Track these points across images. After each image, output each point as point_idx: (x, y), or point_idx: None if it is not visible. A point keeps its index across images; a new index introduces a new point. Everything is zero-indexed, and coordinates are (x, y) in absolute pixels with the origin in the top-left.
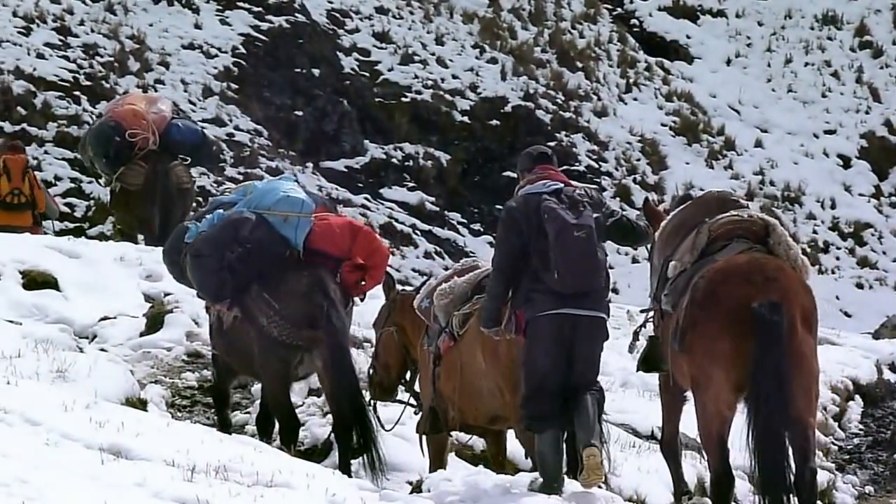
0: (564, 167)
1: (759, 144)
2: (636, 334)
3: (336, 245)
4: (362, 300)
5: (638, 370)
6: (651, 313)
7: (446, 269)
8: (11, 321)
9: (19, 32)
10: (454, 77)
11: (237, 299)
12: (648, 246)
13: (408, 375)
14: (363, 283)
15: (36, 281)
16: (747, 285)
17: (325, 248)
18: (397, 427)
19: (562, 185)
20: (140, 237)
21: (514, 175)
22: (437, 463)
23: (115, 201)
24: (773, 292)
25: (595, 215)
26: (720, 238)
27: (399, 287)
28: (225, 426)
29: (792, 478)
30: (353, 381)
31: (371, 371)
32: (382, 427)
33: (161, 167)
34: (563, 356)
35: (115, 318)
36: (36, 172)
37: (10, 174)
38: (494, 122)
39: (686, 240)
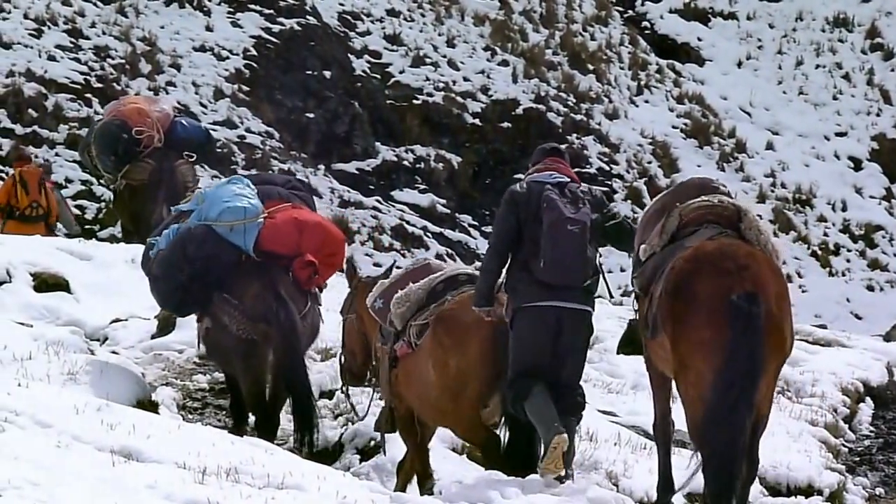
0: (576, 169)
1: (770, 147)
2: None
3: (283, 244)
4: (321, 290)
5: (618, 353)
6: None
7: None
8: (22, 323)
9: (30, 34)
10: (465, 79)
11: (204, 310)
12: None
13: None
14: (316, 276)
15: (47, 283)
16: (722, 276)
17: (273, 249)
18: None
19: (568, 179)
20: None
21: None
22: (420, 461)
23: (119, 200)
24: (747, 282)
25: (594, 215)
26: (691, 223)
27: (362, 274)
28: (239, 422)
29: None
30: (300, 373)
31: (340, 358)
32: (357, 415)
33: (167, 164)
34: (548, 348)
35: (126, 320)
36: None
37: (27, 186)
38: (505, 124)
39: (658, 224)
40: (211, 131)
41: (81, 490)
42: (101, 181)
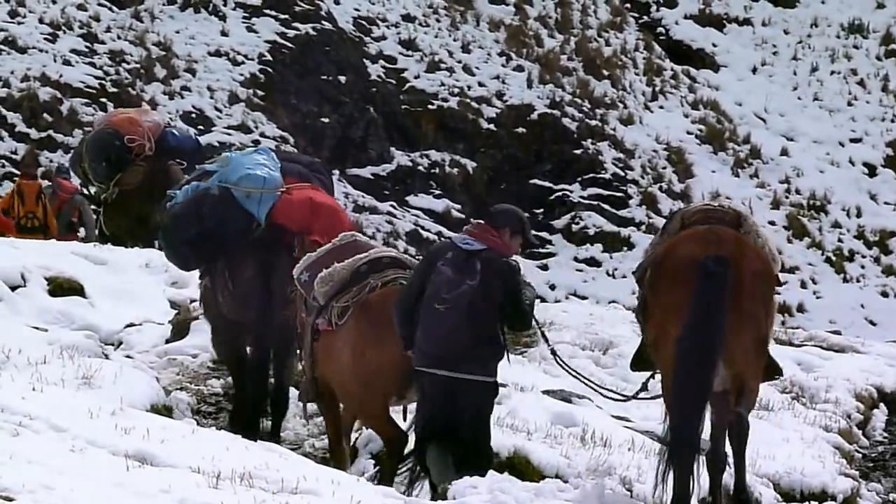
0: (590, 175)
1: (784, 153)
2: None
3: (294, 220)
4: None
5: (631, 369)
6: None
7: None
8: (37, 327)
9: (46, 39)
10: (480, 85)
11: (207, 270)
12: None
13: None
14: None
15: (62, 287)
16: (700, 244)
17: (284, 223)
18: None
19: (480, 248)
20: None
21: (541, 182)
22: (334, 438)
23: (112, 206)
24: (722, 249)
25: (493, 287)
26: (693, 224)
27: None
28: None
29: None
30: (263, 363)
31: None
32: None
33: (159, 167)
34: (440, 412)
35: (140, 324)
36: (62, 179)
37: (24, 198)
38: (520, 129)
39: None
40: (201, 140)
41: (96, 494)
42: (93, 191)
